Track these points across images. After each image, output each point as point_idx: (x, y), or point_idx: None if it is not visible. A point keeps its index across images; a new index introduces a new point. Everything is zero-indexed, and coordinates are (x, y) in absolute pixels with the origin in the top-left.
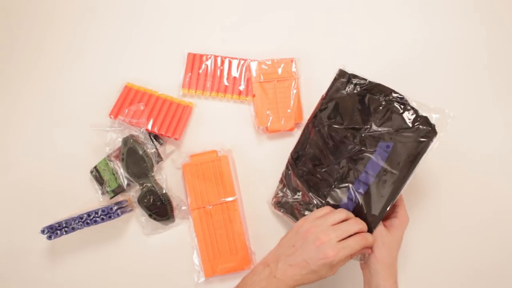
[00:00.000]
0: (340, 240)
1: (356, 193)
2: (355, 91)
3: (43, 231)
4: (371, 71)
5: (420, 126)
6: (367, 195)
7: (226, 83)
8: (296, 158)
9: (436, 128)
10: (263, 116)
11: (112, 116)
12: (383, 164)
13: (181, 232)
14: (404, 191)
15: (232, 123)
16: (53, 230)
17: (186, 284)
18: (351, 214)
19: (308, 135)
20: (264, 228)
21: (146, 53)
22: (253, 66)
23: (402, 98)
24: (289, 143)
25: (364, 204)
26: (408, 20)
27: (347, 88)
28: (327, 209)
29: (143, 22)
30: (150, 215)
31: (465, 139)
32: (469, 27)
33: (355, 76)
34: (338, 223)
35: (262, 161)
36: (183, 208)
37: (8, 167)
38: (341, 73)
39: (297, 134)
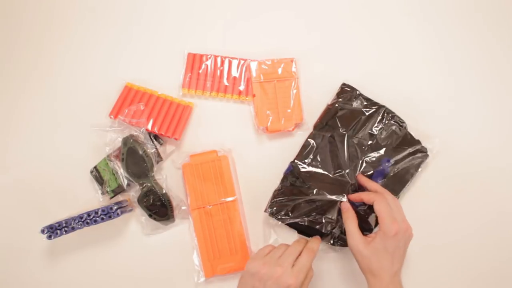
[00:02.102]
0: (293, 266)
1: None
2: (363, 108)
3: (43, 231)
4: (371, 71)
5: (415, 149)
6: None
7: (226, 83)
8: (300, 163)
9: (427, 152)
10: (263, 116)
11: (112, 116)
12: (383, 177)
13: (181, 232)
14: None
15: (232, 123)
16: (53, 230)
17: (186, 284)
18: (288, 243)
19: (316, 142)
20: (264, 228)
21: (146, 53)
22: (253, 66)
23: (403, 122)
24: (289, 143)
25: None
26: (409, 19)
27: (353, 103)
28: (269, 246)
29: (143, 22)
30: (150, 215)
31: (466, 140)
32: (474, 33)
33: (360, 94)
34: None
35: (262, 161)
36: (183, 208)
37: (8, 167)
38: (345, 86)
39: (297, 134)
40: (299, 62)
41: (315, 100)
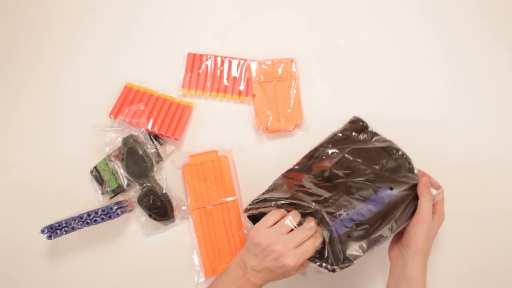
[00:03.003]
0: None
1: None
2: (371, 140)
3: (43, 231)
4: (371, 70)
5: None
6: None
7: (226, 83)
8: (300, 170)
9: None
10: (263, 116)
11: (112, 116)
12: (378, 208)
13: (181, 232)
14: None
15: (232, 123)
16: (53, 230)
17: (186, 284)
18: (299, 215)
19: (320, 157)
20: None
21: (146, 53)
22: (253, 66)
23: (410, 162)
24: (289, 143)
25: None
26: (408, 19)
27: (361, 136)
28: (277, 214)
29: (143, 22)
30: (150, 215)
31: (467, 139)
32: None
33: (371, 130)
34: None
35: (262, 161)
36: (183, 208)
37: (8, 167)
38: (355, 119)
39: (297, 134)
40: (299, 62)
41: (315, 100)
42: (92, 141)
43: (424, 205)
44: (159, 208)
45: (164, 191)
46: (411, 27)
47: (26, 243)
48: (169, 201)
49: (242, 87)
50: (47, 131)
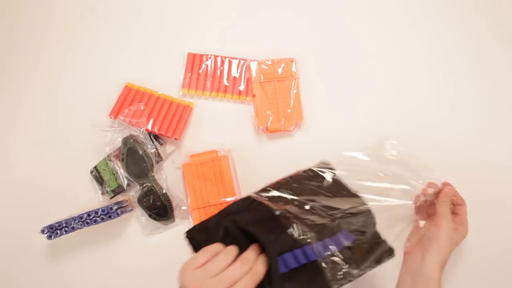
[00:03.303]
0: None
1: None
2: (334, 186)
3: (43, 231)
4: (372, 70)
5: (380, 243)
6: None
7: (226, 83)
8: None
9: (393, 251)
10: (263, 116)
11: (112, 116)
12: (338, 249)
13: (181, 232)
14: None
15: (232, 123)
16: (53, 230)
17: None
18: (234, 251)
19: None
20: None
21: (146, 53)
22: (253, 66)
23: (373, 216)
24: (289, 143)
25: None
26: (409, 20)
27: (325, 182)
28: (208, 253)
29: (143, 22)
30: (150, 215)
31: (467, 139)
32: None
33: (337, 180)
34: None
35: (262, 161)
36: (183, 208)
37: (9, 167)
38: (324, 164)
39: (297, 134)
40: (299, 62)
41: (315, 100)
42: (92, 141)
43: (441, 208)
44: (159, 208)
45: (164, 191)
46: (412, 27)
47: (26, 243)
48: (169, 201)
49: (242, 87)
50: (47, 131)
